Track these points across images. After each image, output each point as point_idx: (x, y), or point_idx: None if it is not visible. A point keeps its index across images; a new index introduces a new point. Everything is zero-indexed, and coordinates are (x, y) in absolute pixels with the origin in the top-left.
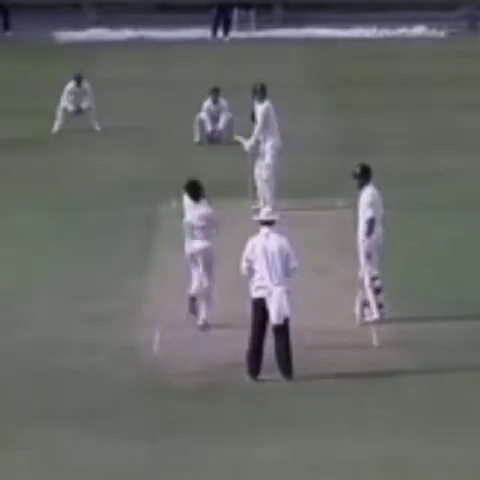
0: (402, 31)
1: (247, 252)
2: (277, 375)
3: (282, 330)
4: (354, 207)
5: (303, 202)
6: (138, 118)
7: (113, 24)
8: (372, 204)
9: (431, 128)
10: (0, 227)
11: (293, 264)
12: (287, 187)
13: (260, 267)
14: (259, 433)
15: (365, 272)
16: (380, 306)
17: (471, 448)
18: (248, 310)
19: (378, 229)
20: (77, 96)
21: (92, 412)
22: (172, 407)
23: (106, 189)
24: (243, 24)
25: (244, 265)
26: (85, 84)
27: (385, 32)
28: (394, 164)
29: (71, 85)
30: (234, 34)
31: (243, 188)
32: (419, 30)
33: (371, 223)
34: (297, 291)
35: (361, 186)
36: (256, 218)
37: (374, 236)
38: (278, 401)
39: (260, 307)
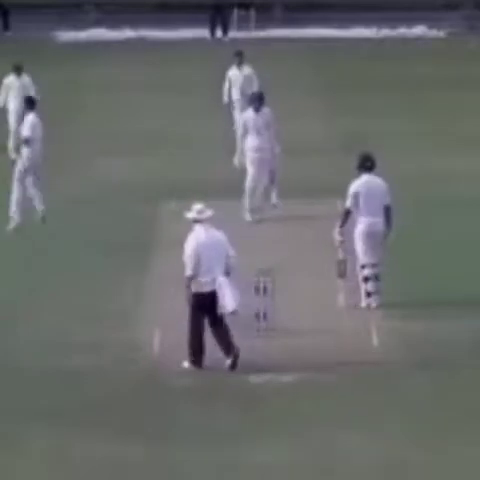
0: (402, 31)
1: (192, 251)
2: (277, 375)
3: (222, 318)
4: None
5: (303, 202)
6: (138, 118)
7: (113, 24)
8: (353, 195)
9: (431, 128)
10: None
11: (231, 253)
12: (287, 187)
13: (205, 263)
14: (258, 433)
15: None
16: (368, 295)
17: (471, 448)
18: (249, 310)
19: (375, 219)
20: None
21: (92, 412)
22: (172, 407)
23: (106, 189)
24: (243, 24)
25: (190, 264)
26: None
27: (385, 32)
28: (394, 164)
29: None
30: (234, 34)
31: (242, 188)
32: (419, 30)
33: (346, 214)
34: (296, 291)
35: (358, 175)
36: (188, 216)
37: (364, 224)
38: (278, 401)
39: (208, 301)
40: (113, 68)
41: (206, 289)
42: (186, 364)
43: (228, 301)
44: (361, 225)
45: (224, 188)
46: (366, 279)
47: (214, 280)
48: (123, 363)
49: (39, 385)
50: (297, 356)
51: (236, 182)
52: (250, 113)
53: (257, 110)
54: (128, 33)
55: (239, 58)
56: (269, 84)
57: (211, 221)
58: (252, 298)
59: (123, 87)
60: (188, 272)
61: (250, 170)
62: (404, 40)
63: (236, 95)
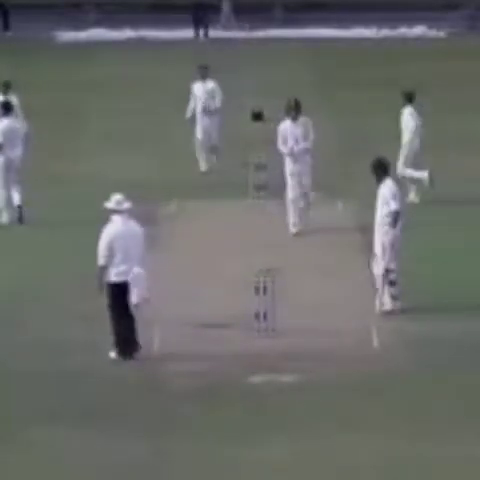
0: (402, 31)
1: (106, 241)
2: (277, 375)
3: (134, 310)
4: (355, 207)
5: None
6: (138, 118)
7: (113, 24)
8: (395, 196)
9: (431, 128)
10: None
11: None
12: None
13: (120, 253)
14: (259, 433)
15: (383, 263)
16: (394, 298)
17: (471, 448)
18: (249, 310)
19: (398, 223)
20: None
21: (92, 412)
22: (172, 407)
23: (105, 188)
24: (242, 24)
25: (103, 254)
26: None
27: (385, 32)
28: (394, 164)
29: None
30: (233, 34)
31: (243, 188)
32: (419, 30)
33: (396, 215)
34: (297, 292)
35: (380, 180)
36: (107, 206)
37: (398, 228)
38: (278, 401)
39: (121, 291)
40: (113, 68)
41: (120, 279)
42: (112, 355)
43: (135, 293)
44: (397, 230)
45: (224, 188)
46: (392, 283)
47: (128, 271)
48: (123, 363)
49: (39, 385)
50: (297, 356)
51: (236, 182)
52: (287, 122)
53: (294, 119)
54: (128, 33)
55: (203, 71)
56: (269, 84)
57: (129, 212)
58: (252, 298)
59: (123, 87)
60: (101, 262)
61: (288, 182)
62: (404, 40)
63: (199, 109)
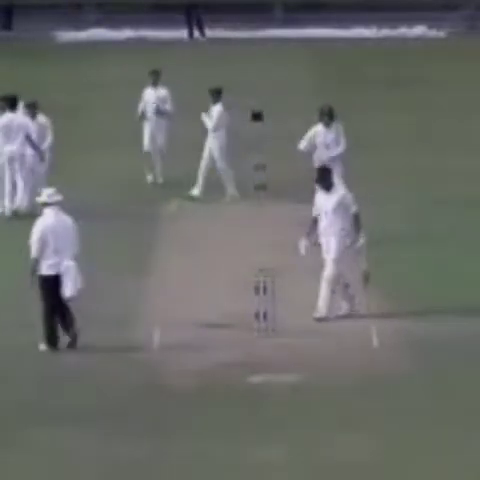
0: (402, 31)
1: (38, 234)
2: (277, 375)
3: (68, 302)
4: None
5: (303, 202)
6: (138, 118)
7: (113, 24)
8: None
9: (431, 128)
10: None
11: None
12: (287, 188)
13: (52, 246)
14: (259, 433)
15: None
16: (349, 300)
17: (471, 448)
18: (249, 310)
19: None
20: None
21: (92, 412)
22: (172, 407)
23: (105, 188)
24: (244, 24)
25: (36, 246)
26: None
27: (385, 32)
28: (394, 164)
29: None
30: (234, 34)
31: (242, 188)
32: (419, 30)
33: (358, 217)
34: (296, 291)
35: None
36: (39, 199)
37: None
38: (278, 401)
39: (53, 284)
40: (113, 68)
41: (52, 272)
42: (42, 347)
43: (68, 286)
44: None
45: (224, 188)
46: (348, 285)
47: (60, 263)
48: (123, 363)
49: (38, 385)
50: (297, 356)
51: (235, 183)
52: (320, 128)
53: (327, 125)
54: (128, 33)
55: (154, 77)
56: (269, 84)
57: (60, 205)
58: (252, 298)
59: (123, 87)
60: (33, 254)
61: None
62: (404, 40)
63: (149, 114)
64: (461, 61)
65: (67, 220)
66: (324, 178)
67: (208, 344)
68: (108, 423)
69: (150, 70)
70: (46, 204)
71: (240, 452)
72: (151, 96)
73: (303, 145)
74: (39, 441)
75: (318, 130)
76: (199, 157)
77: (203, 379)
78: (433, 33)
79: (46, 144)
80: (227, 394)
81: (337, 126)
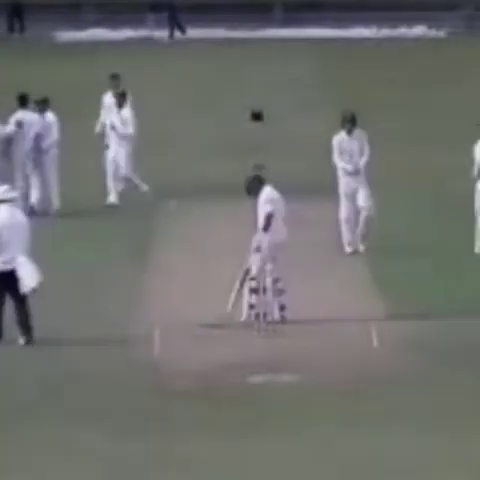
0: (402, 31)
1: None
2: (277, 375)
3: (25, 297)
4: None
5: (303, 202)
6: (138, 118)
7: (113, 24)
8: (271, 201)
9: (431, 128)
10: None
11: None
12: (288, 187)
13: (5, 242)
14: (259, 433)
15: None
16: (251, 307)
17: (471, 448)
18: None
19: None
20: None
21: (92, 412)
22: (172, 407)
23: (105, 188)
24: (244, 24)
25: None
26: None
27: (385, 32)
28: (394, 164)
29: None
30: (234, 34)
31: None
32: (419, 30)
33: (269, 218)
34: (296, 291)
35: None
36: None
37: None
38: (278, 401)
39: (7, 280)
40: (113, 68)
41: (5, 267)
42: None
43: (27, 280)
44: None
45: (223, 188)
46: (253, 291)
47: (13, 259)
48: (123, 363)
49: (39, 385)
50: (297, 356)
51: (235, 182)
52: (342, 135)
53: (350, 132)
54: (128, 33)
55: (115, 82)
56: (269, 84)
57: (14, 202)
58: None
59: (123, 87)
60: None
61: (342, 200)
62: (404, 40)
63: (108, 121)
64: (461, 61)
65: (20, 217)
66: (253, 187)
67: (208, 344)
68: (108, 423)
69: (110, 74)
70: (1, 201)
71: (240, 452)
72: (111, 101)
73: (336, 158)
74: (39, 441)
75: (341, 138)
76: (199, 157)
77: (203, 379)
78: (433, 33)
79: (49, 141)
80: (227, 394)
81: (360, 133)
